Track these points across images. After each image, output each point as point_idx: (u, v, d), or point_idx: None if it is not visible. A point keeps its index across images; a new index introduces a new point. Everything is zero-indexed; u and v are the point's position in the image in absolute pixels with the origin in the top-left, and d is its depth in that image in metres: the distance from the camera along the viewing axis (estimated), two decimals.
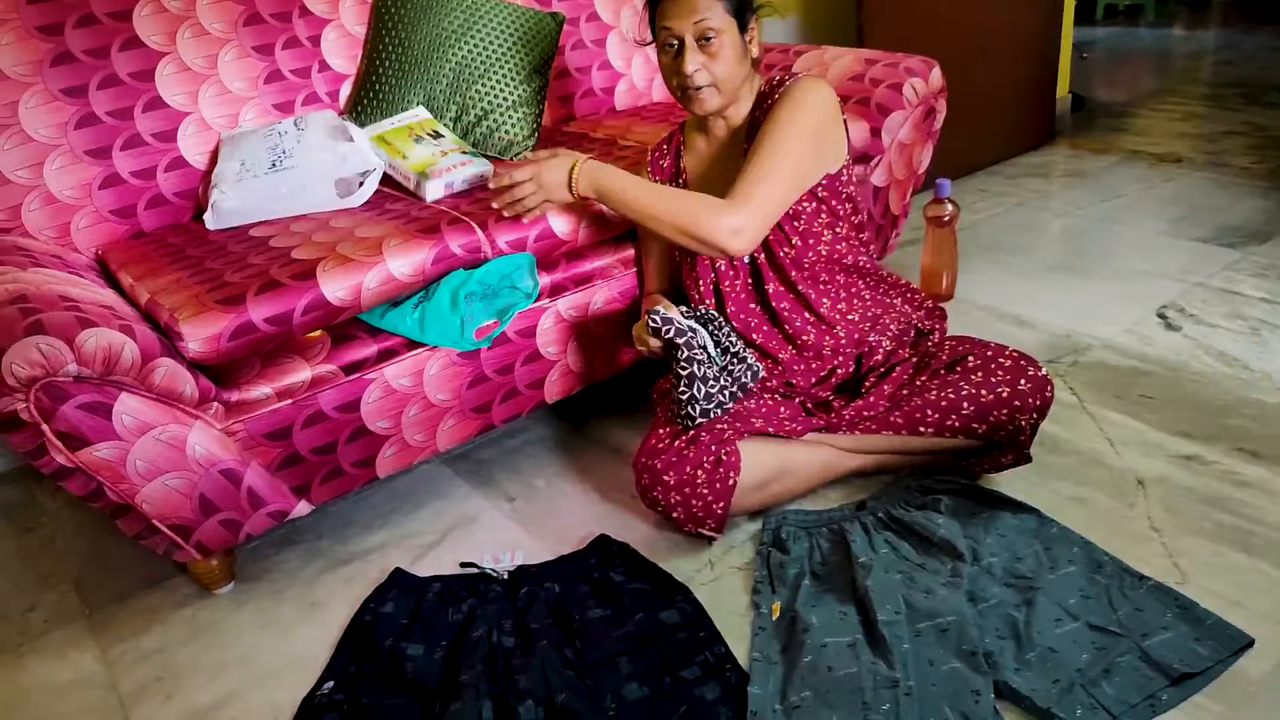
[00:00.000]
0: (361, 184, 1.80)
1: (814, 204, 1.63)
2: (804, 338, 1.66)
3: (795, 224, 1.63)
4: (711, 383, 1.51)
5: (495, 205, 1.62)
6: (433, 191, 1.77)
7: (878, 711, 1.20)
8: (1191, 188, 2.98)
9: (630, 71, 2.43)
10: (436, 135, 1.92)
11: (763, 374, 1.61)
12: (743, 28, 1.55)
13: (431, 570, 1.57)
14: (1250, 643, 1.26)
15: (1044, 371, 1.56)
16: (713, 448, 1.51)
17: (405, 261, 1.55)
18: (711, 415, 1.52)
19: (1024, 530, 1.49)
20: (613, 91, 2.42)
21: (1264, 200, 2.81)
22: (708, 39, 1.49)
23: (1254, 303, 2.19)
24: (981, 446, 1.59)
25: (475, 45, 2.03)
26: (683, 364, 1.50)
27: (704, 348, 1.53)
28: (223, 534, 1.50)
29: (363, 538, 1.70)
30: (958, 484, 1.61)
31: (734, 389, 1.56)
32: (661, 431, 1.55)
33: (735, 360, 1.57)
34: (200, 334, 1.39)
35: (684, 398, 1.50)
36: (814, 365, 1.66)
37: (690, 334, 1.51)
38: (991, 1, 3.09)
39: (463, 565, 1.57)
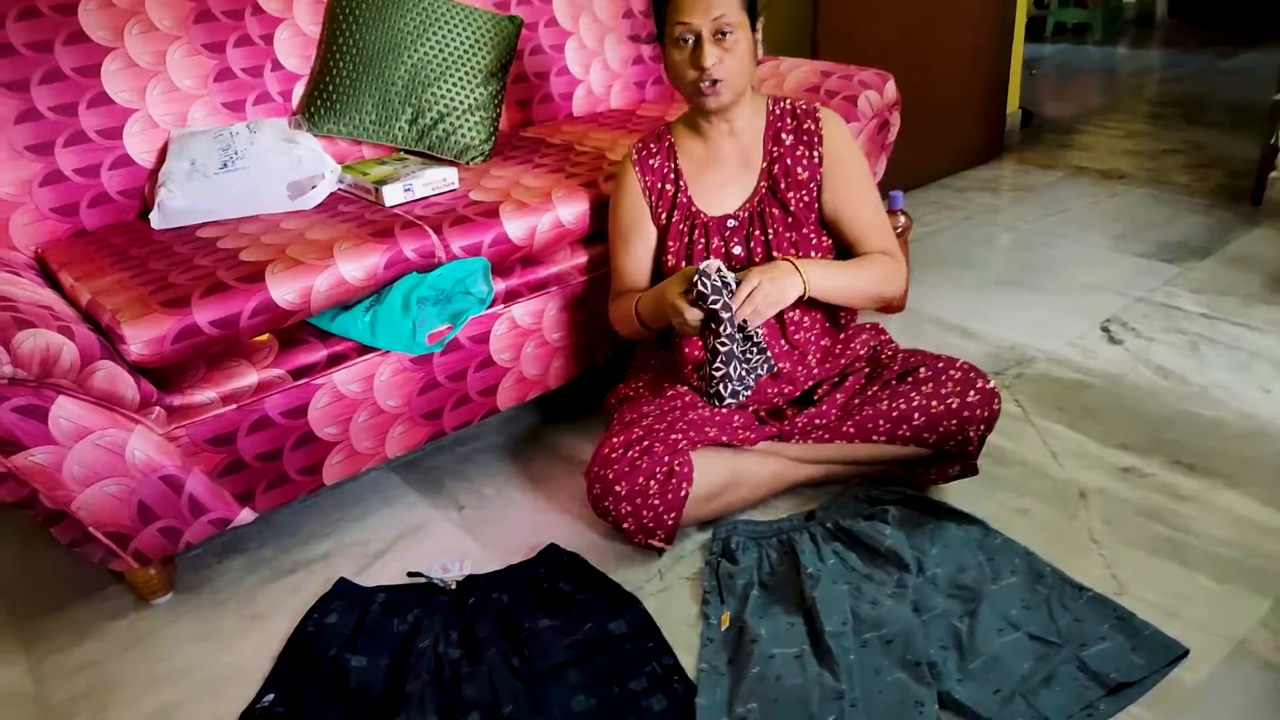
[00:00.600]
0: (314, 187, 1.77)
1: (816, 230, 1.69)
2: (780, 365, 1.66)
3: (794, 250, 1.66)
4: (742, 364, 1.47)
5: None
6: (391, 196, 1.76)
7: None
8: (1134, 204, 3.06)
9: (589, 78, 2.43)
10: (402, 159, 1.93)
11: (775, 369, 1.57)
12: (753, 25, 1.55)
13: (378, 580, 1.55)
14: (1185, 653, 1.29)
15: (992, 384, 1.58)
16: (666, 458, 1.51)
17: (357, 265, 1.53)
18: (739, 399, 1.49)
19: (968, 541, 1.52)
20: (570, 97, 2.41)
21: (1203, 217, 2.89)
22: (724, 34, 1.48)
23: (1193, 317, 2.26)
24: (930, 456, 1.61)
25: (432, 47, 2.01)
26: (723, 340, 1.44)
27: (740, 328, 1.48)
28: (162, 542, 1.47)
29: (307, 547, 1.67)
30: (904, 494, 1.63)
31: (750, 378, 1.50)
32: (615, 440, 1.55)
33: (754, 348, 1.51)
34: (143, 336, 1.36)
35: (718, 374, 1.46)
36: (786, 390, 1.67)
37: (731, 310, 1.46)
38: (944, 17, 3.15)
39: (410, 575, 1.55)
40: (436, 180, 1.81)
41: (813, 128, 1.64)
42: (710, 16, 1.47)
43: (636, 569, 1.55)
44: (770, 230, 1.66)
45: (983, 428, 1.57)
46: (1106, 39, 6.02)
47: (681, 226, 1.66)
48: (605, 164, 1.91)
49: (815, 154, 1.64)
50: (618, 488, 1.49)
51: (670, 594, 1.49)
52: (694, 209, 1.66)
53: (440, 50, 2.01)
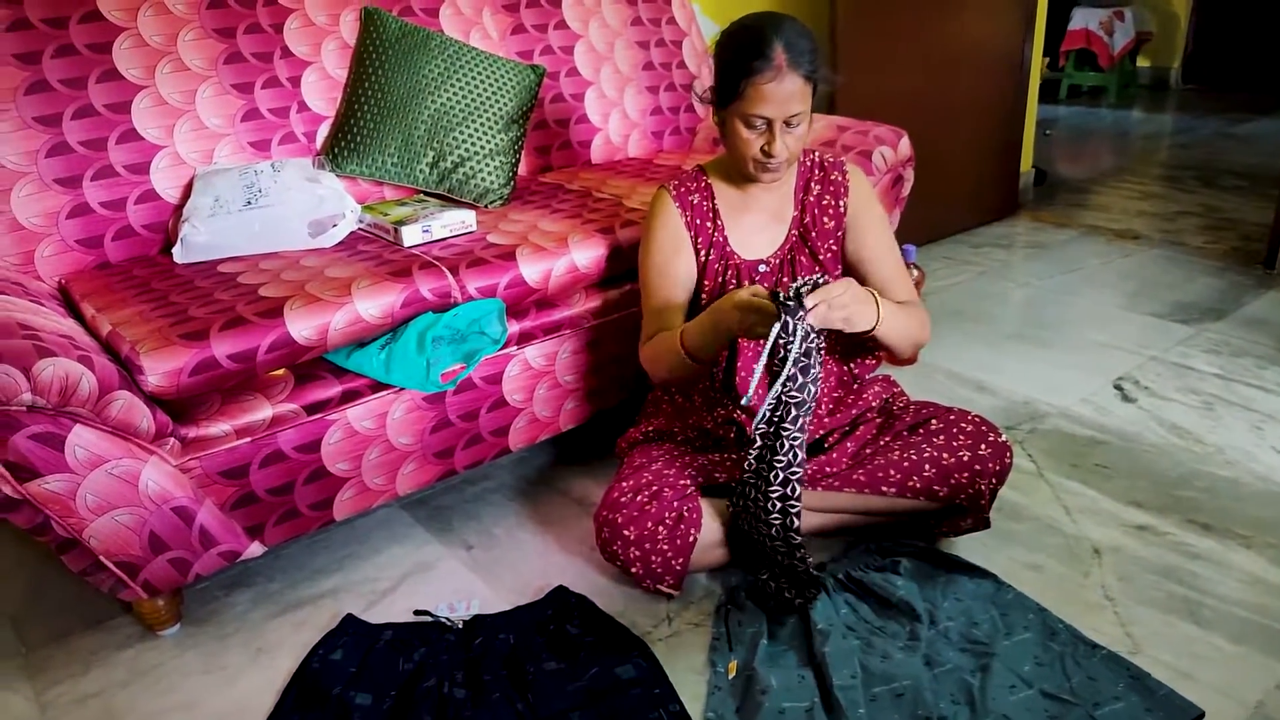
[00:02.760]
0: (335, 225, 1.80)
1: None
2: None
3: None
4: (792, 379, 1.36)
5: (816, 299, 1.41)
6: (410, 236, 1.78)
7: None
8: (1148, 264, 3.07)
9: (607, 127, 2.47)
10: (422, 201, 1.96)
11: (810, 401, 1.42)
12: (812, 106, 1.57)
13: (385, 617, 1.54)
14: (1200, 715, 1.27)
15: (1004, 438, 1.58)
16: (675, 503, 1.51)
17: (374, 303, 1.55)
18: (762, 403, 1.40)
19: (981, 595, 1.50)
20: (589, 145, 2.45)
21: (1217, 279, 2.90)
22: (792, 123, 1.50)
23: (1207, 378, 2.25)
24: (942, 509, 1.60)
25: (455, 93, 2.05)
26: (791, 340, 1.34)
27: (805, 336, 1.36)
28: (171, 573, 1.47)
29: (315, 582, 1.67)
30: (917, 546, 1.61)
31: (797, 393, 1.38)
32: (624, 485, 1.54)
33: (814, 363, 1.38)
34: (161, 368, 1.37)
35: (769, 375, 1.37)
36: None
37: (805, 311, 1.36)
38: (960, 76, 3.19)
39: (417, 613, 1.54)
40: (455, 222, 1.83)
41: (840, 179, 1.67)
42: (786, 112, 1.47)
43: (645, 613, 1.53)
44: (799, 277, 1.66)
45: (994, 481, 1.57)
46: (1121, 103, 6.08)
47: (717, 266, 1.67)
48: (622, 211, 1.93)
49: (841, 204, 1.67)
50: (626, 532, 1.49)
51: (679, 640, 1.48)
52: (729, 249, 1.67)
53: (463, 96, 2.05)
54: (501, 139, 2.07)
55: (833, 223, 1.68)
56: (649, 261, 1.66)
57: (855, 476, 1.59)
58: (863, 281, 1.69)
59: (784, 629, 1.46)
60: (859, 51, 2.89)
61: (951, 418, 1.62)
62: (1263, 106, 5.59)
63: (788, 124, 1.49)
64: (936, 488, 1.55)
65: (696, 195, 1.66)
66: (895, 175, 2.27)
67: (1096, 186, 4.09)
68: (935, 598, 1.49)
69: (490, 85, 2.09)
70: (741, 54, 1.46)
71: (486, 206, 2.04)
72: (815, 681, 1.34)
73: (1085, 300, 2.78)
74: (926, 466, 1.55)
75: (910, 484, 1.56)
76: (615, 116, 2.49)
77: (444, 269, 1.65)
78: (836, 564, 1.58)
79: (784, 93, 1.45)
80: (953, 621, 1.45)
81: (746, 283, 1.66)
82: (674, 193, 1.66)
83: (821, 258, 1.68)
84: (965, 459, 1.55)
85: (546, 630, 1.47)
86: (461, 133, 2.04)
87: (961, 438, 1.57)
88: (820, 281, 1.41)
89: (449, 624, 1.49)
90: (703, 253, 1.67)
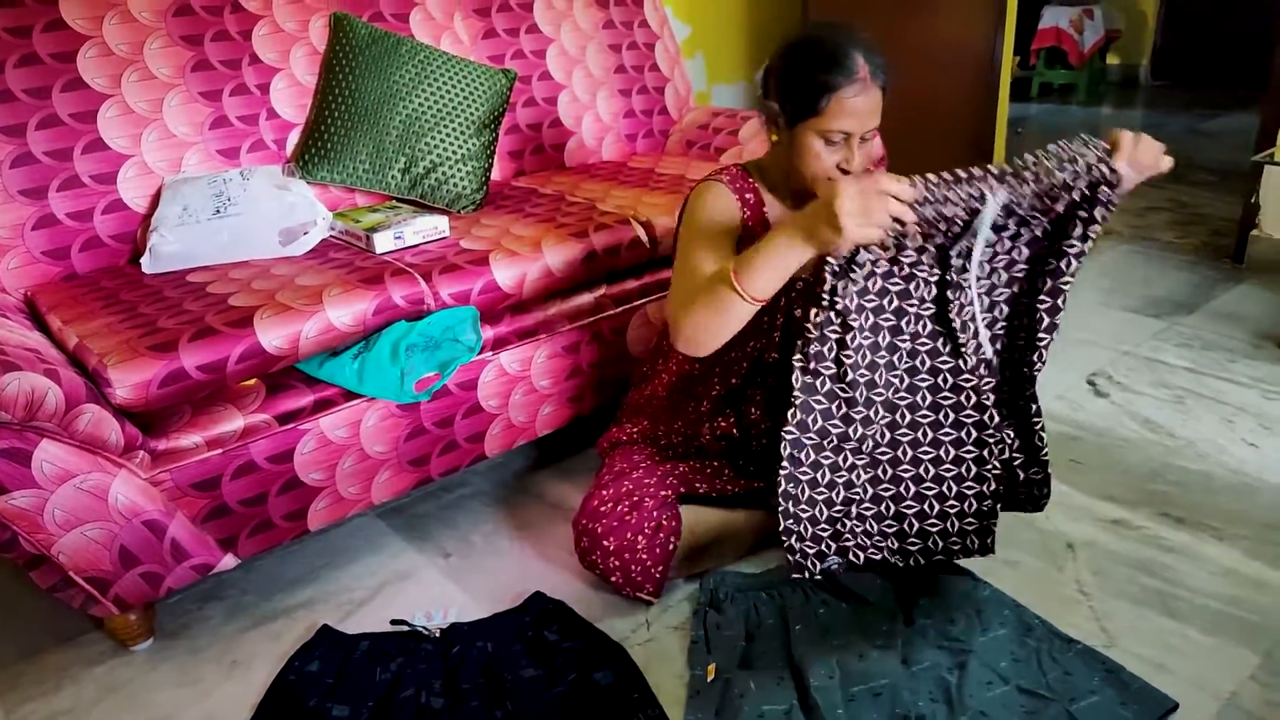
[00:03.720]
0: (306, 233, 1.79)
1: None
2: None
3: None
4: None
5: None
6: (382, 243, 1.77)
7: None
8: (1121, 260, 3.09)
9: (580, 130, 2.47)
10: (394, 207, 1.96)
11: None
12: None
13: (361, 628, 1.53)
14: (1175, 706, 1.28)
15: None
16: (655, 513, 1.50)
17: (346, 311, 1.54)
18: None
19: (957, 592, 1.51)
20: (563, 149, 2.45)
21: (1189, 274, 2.93)
22: (868, 136, 1.45)
23: (1178, 372, 2.27)
24: None
25: (426, 98, 2.04)
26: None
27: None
28: (143, 588, 1.45)
29: (290, 593, 1.65)
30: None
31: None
32: (604, 494, 1.53)
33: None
34: (129, 380, 1.35)
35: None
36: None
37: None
38: (932, 75, 3.21)
39: (394, 623, 1.53)
40: (427, 228, 1.83)
41: None
42: (866, 126, 1.42)
43: (623, 618, 1.53)
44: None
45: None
46: (1091, 100, 6.14)
47: None
48: (595, 214, 1.93)
49: None
50: (605, 543, 1.49)
51: (657, 644, 1.48)
52: None
53: (435, 102, 2.04)
54: (474, 144, 2.07)
55: None
56: (697, 237, 1.49)
57: None
58: None
59: (763, 630, 1.46)
60: None
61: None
62: (1230, 102, 5.65)
63: (864, 138, 1.43)
64: None
65: (751, 194, 1.56)
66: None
67: None
68: (912, 596, 1.50)
69: (462, 90, 2.08)
70: (822, 68, 1.38)
71: (459, 212, 2.04)
72: (794, 683, 1.34)
73: None
74: None
75: None
76: (588, 120, 2.48)
77: (417, 275, 1.64)
78: None
79: (867, 106, 1.40)
80: (929, 619, 1.46)
81: (782, 299, 1.53)
82: (732, 186, 1.54)
83: None
84: None
85: (524, 637, 1.47)
86: (433, 138, 2.03)
87: None
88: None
89: (426, 633, 1.48)
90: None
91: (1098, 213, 1.28)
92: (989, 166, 1.27)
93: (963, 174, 1.26)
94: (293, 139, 2.03)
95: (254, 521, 1.54)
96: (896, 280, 1.35)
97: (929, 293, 1.37)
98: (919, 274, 1.35)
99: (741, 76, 3.38)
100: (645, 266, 1.98)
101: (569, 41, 2.46)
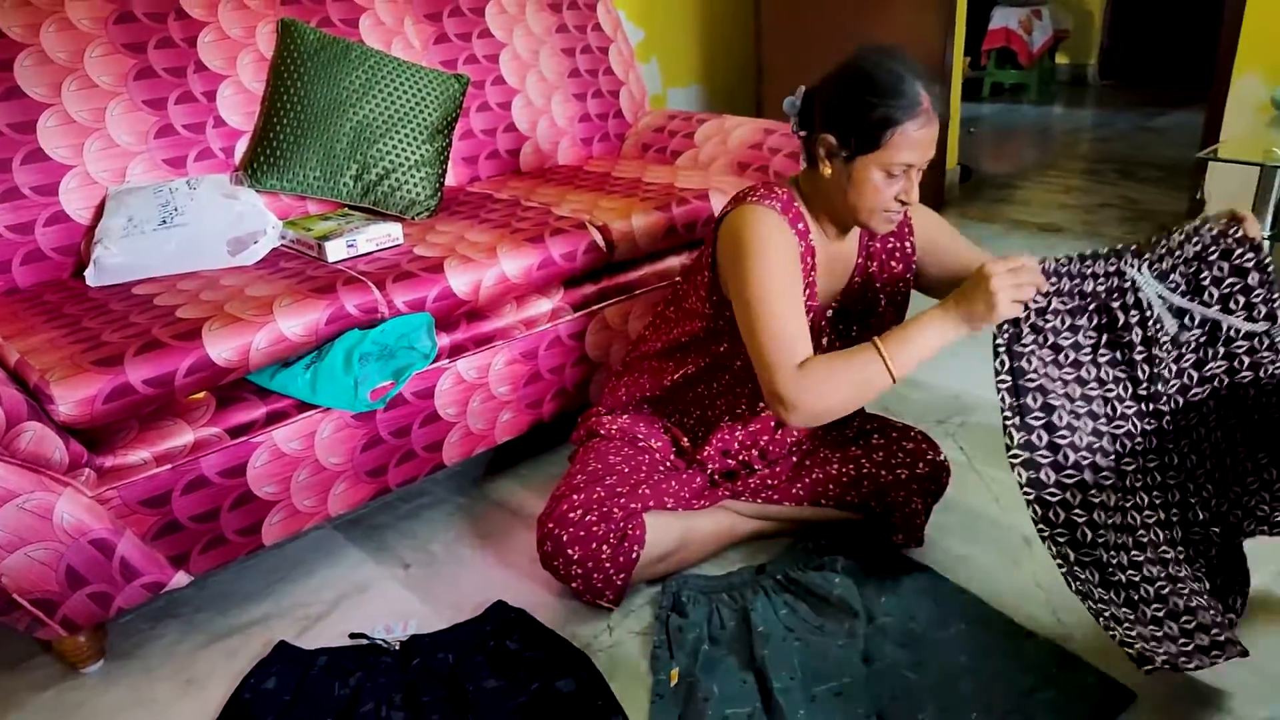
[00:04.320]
0: (255, 243, 1.76)
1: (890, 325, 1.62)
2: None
3: None
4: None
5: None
6: (334, 251, 1.75)
7: None
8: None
9: (535, 134, 2.46)
10: (346, 215, 1.93)
11: None
12: None
13: (319, 643, 1.50)
14: (1133, 698, 1.30)
15: (943, 458, 1.61)
16: (621, 524, 1.49)
17: (297, 321, 1.51)
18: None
19: (917, 589, 1.52)
20: (517, 154, 2.43)
21: None
22: (924, 167, 1.42)
23: None
24: (876, 522, 1.62)
25: (377, 104, 2.02)
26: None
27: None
28: (92, 608, 1.41)
29: (245, 609, 1.62)
30: (854, 544, 1.63)
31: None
32: (575, 499, 1.51)
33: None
34: (73, 396, 1.32)
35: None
36: (753, 453, 1.65)
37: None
38: None
39: (352, 636, 1.51)
40: (380, 236, 1.80)
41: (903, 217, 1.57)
42: (927, 157, 1.40)
43: (586, 624, 1.52)
44: (855, 327, 1.62)
45: (929, 500, 1.60)
46: (1042, 99, 6.24)
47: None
48: (551, 219, 1.92)
49: (908, 244, 1.60)
50: (569, 551, 1.47)
51: (620, 650, 1.47)
52: (814, 289, 1.53)
53: (386, 107, 2.02)
54: (426, 150, 2.05)
55: (900, 265, 1.60)
56: (771, 283, 1.41)
57: (794, 490, 1.61)
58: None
59: (725, 633, 1.46)
60: (783, 54, 2.92)
61: (894, 434, 1.64)
62: (1177, 100, 5.78)
63: (920, 171, 1.41)
64: (873, 504, 1.58)
65: (802, 225, 1.49)
66: None
67: (1020, 182, 4.19)
68: (872, 594, 1.51)
69: (413, 96, 2.06)
70: (886, 101, 1.34)
71: (413, 219, 2.02)
72: (757, 686, 1.34)
73: None
74: (864, 482, 1.57)
75: (848, 498, 1.58)
76: (543, 124, 2.47)
77: (370, 284, 1.62)
78: (775, 564, 1.59)
79: (930, 138, 1.38)
80: (890, 617, 1.47)
81: (817, 327, 1.53)
82: (785, 215, 1.45)
83: (881, 308, 1.61)
84: (903, 477, 1.57)
85: (486, 647, 1.45)
86: (385, 144, 2.01)
87: (900, 455, 1.60)
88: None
89: (385, 646, 1.46)
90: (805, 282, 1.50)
91: (1252, 278, 1.32)
92: (1119, 246, 1.33)
93: (1098, 252, 1.32)
94: (241, 147, 2.00)
95: (206, 537, 1.51)
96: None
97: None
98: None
99: (695, 79, 3.38)
100: (603, 271, 1.97)
101: (522, 46, 2.44)
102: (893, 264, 1.60)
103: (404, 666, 1.41)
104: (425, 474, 1.77)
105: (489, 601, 1.55)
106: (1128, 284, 1.32)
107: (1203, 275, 1.33)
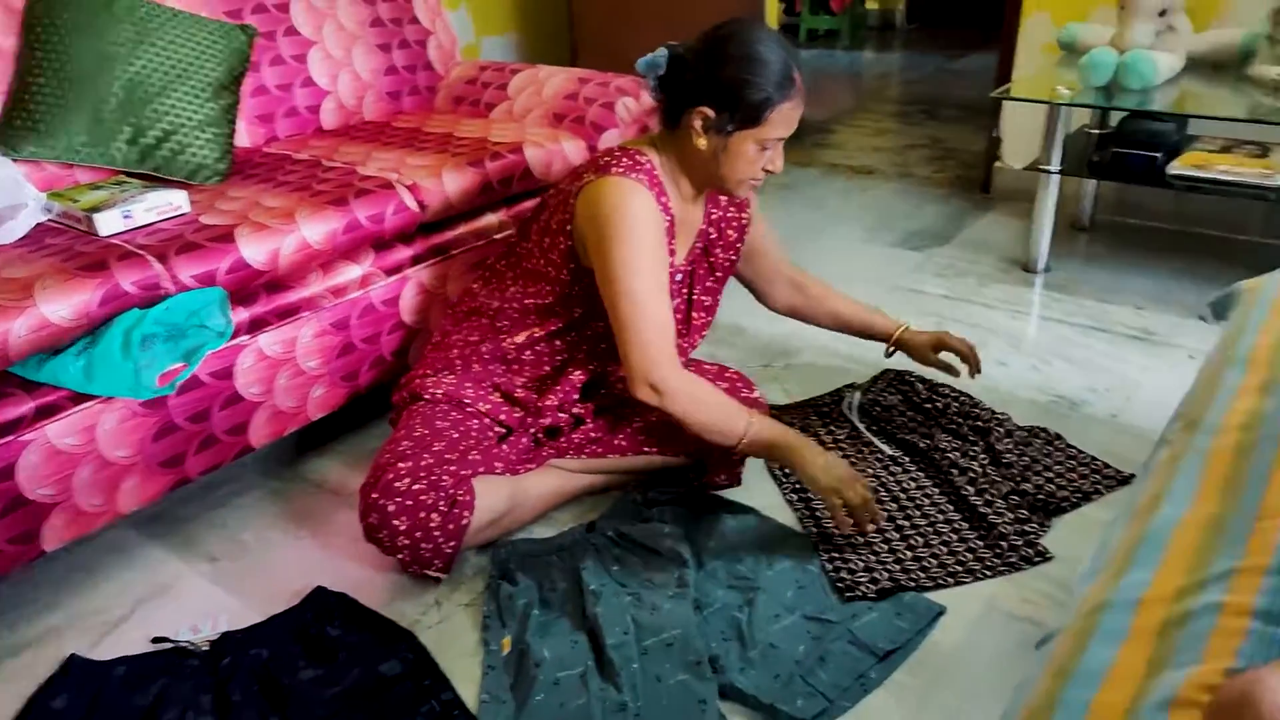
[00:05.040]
0: (14, 219, 1.57)
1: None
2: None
3: (704, 314, 1.75)
4: None
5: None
6: (106, 224, 1.58)
7: None
8: (883, 197, 3.27)
9: (337, 89, 2.31)
10: (121, 183, 1.75)
11: None
12: None
13: (117, 651, 1.38)
14: (942, 611, 1.37)
15: (756, 394, 1.63)
16: (451, 490, 1.43)
17: (64, 304, 1.36)
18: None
19: (743, 530, 1.55)
20: (318, 110, 2.29)
21: (944, 206, 3.13)
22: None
23: (937, 300, 2.42)
24: (699, 465, 1.64)
25: (151, 59, 1.84)
26: None
27: None
28: None
29: (31, 623, 1.47)
30: (679, 492, 1.64)
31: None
32: (401, 467, 1.43)
33: None
34: None
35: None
36: (577, 410, 1.64)
37: None
38: (698, 24, 3.23)
39: (154, 641, 1.39)
40: (162, 204, 1.65)
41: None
42: (793, 130, 1.48)
43: (412, 601, 1.47)
44: (696, 288, 1.67)
45: None
46: (854, 44, 6.44)
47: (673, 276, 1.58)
48: (355, 179, 1.81)
49: (745, 215, 1.70)
50: (396, 522, 1.40)
51: (449, 624, 1.42)
52: (671, 259, 1.58)
53: (161, 63, 1.84)
54: (211, 108, 1.88)
55: (735, 234, 1.69)
56: (645, 266, 1.46)
57: (616, 441, 1.60)
58: (756, 270, 1.82)
59: (557, 595, 1.44)
60: (597, 4, 2.86)
61: (710, 376, 1.66)
62: (976, 42, 6.08)
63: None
64: (692, 447, 1.58)
65: (664, 197, 1.54)
66: (641, 126, 2.27)
67: (835, 126, 4.31)
68: (700, 540, 1.52)
69: (193, 49, 1.89)
70: (771, 81, 1.41)
71: (201, 184, 1.86)
72: (589, 644, 1.33)
73: (830, 237, 2.92)
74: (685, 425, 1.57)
75: (668, 445, 1.59)
76: (345, 78, 2.33)
77: (150, 258, 1.48)
78: (604, 520, 1.58)
79: (799, 112, 1.47)
80: (718, 560, 1.49)
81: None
82: (653, 192, 1.49)
83: (718, 272, 1.70)
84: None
85: (305, 636, 1.37)
86: (163, 103, 1.83)
87: None
88: None
89: (192, 648, 1.36)
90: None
91: None
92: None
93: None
94: None
95: None
96: None
97: None
98: None
99: (511, 28, 3.28)
100: (415, 233, 1.88)
101: None
102: (729, 232, 1.69)
103: (213, 667, 1.32)
104: (231, 459, 1.66)
105: (308, 588, 1.47)
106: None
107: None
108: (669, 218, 1.54)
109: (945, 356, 1.82)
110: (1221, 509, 0.84)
